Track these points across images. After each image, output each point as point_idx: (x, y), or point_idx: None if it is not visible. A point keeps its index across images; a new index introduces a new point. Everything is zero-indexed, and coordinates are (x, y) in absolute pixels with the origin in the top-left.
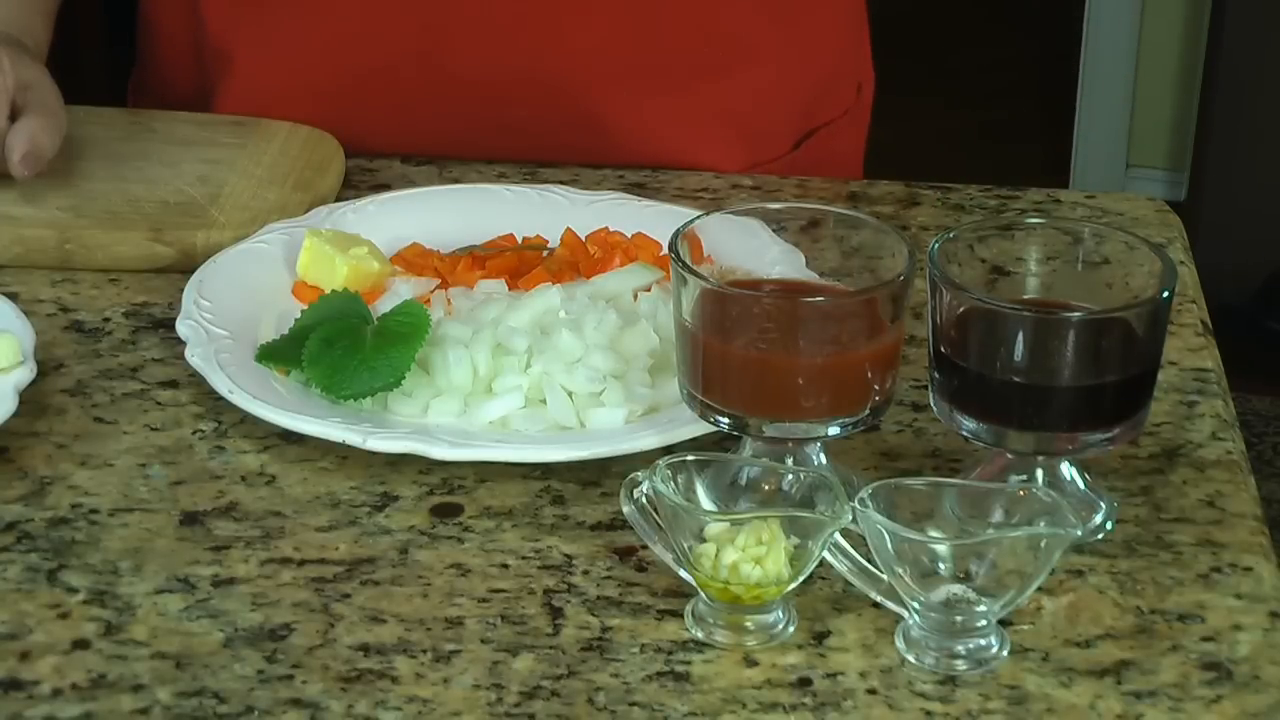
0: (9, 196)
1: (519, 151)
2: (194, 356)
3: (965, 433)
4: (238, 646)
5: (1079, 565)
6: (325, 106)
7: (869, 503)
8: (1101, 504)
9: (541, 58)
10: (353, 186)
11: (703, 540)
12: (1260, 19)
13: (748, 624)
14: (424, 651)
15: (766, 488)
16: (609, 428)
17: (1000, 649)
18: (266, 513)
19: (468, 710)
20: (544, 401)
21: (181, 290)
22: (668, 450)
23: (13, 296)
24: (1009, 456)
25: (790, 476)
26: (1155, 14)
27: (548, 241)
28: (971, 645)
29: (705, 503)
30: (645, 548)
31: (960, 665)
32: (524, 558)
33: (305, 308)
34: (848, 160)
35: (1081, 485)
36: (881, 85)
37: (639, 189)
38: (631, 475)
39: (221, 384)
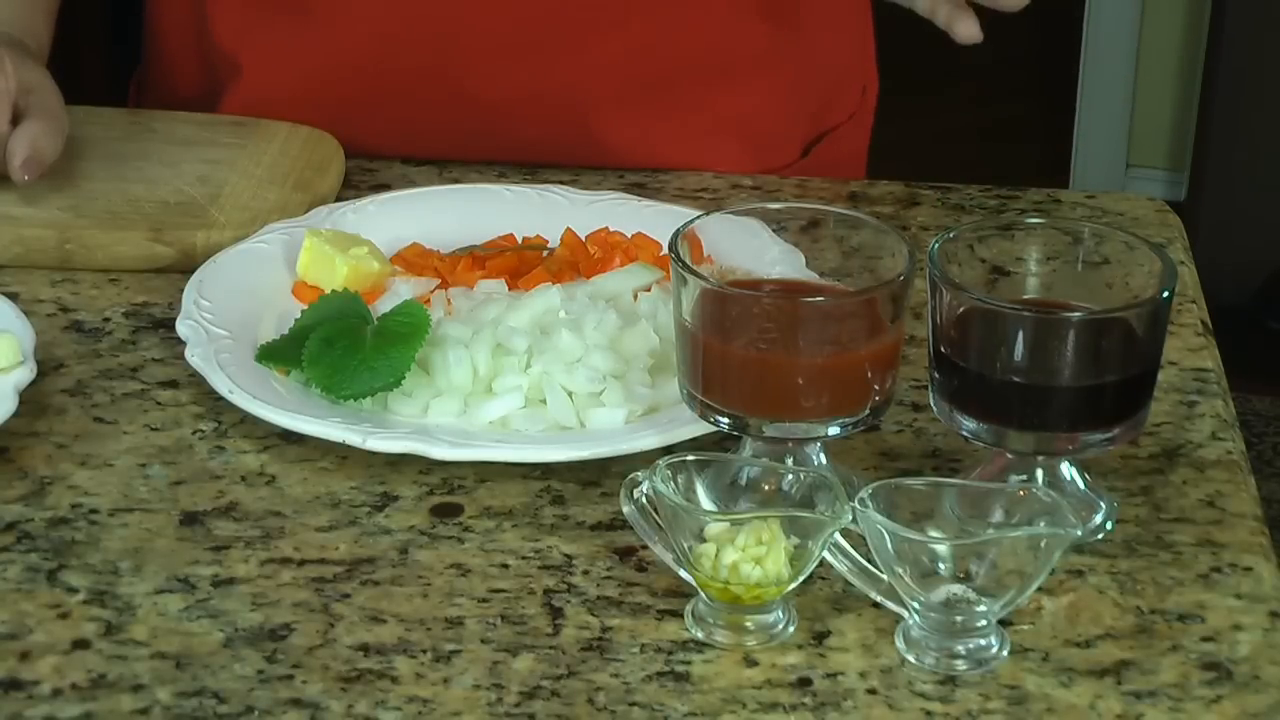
0: (9, 197)
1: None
2: (194, 356)
3: (965, 433)
4: (238, 646)
5: (1079, 565)
6: (333, 118)
7: (869, 503)
8: (1101, 504)
9: (553, 75)
10: (353, 186)
11: (703, 540)
12: (1260, 19)
13: (748, 624)
14: (424, 651)
15: (766, 488)
16: (609, 428)
17: (1000, 649)
18: (266, 513)
19: (468, 710)
20: (544, 401)
21: (181, 290)
22: (668, 450)
23: (13, 296)
24: (1009, 456)
25: (790, 476)
26: (1155, 14)
27: (548, 241)
28: (971, 645)
29: (705, 503)
30: (645, 548)
31: (960, 665)
32: (524, 558)
33: (305, 308)
34: (852, 162)
35: (1081, 485)
36: (882, 85)
37: (639, 189)
38: (631, 475)
39: (221, 384)
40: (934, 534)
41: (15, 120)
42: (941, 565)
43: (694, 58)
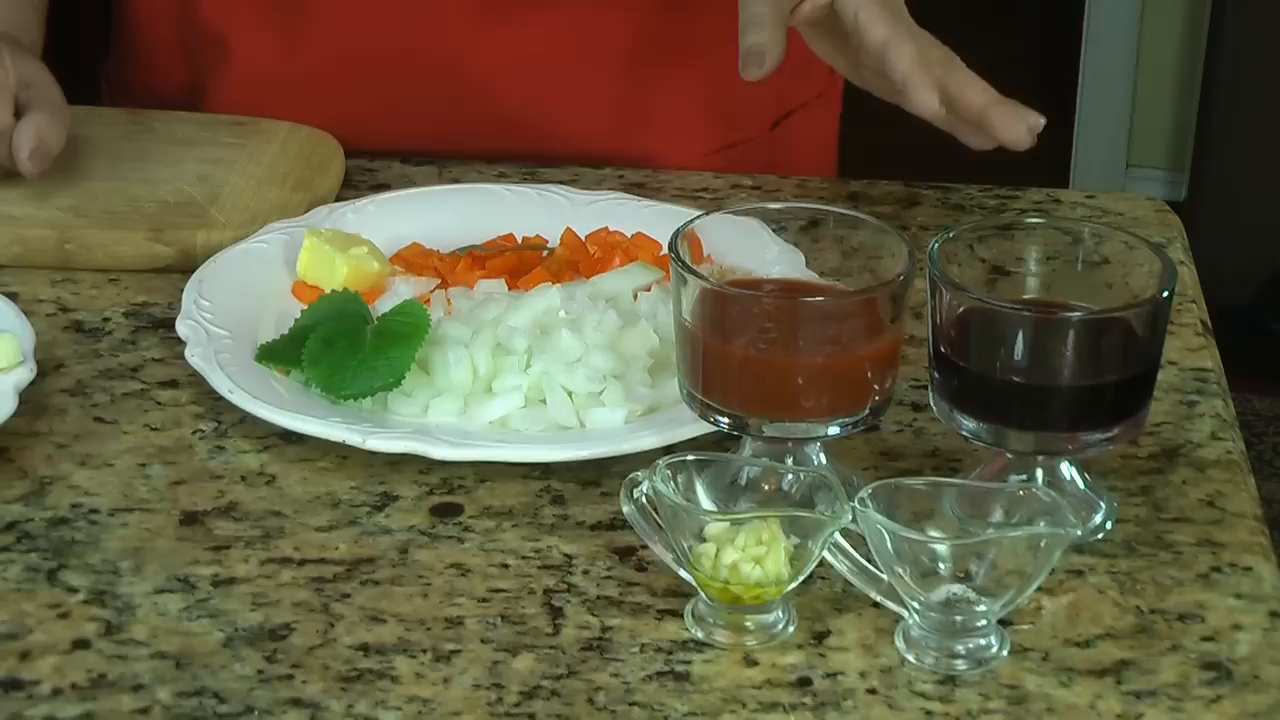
0: (10, 196)
1: (513, 138)
2: (194, 356)
3: (965, 433)
4: (238, 646)
5: (1079, 565)
6: (321, 98)
7: (869, 503)
8: (1101, 504)
9: (527, 42)
10: (353, 186)
11: (703, 540)
12: (1260, 19)
13: (748, 624)
14: (424, 651)
15: (766, 488)
16: (609, 428)
17: (1000, 649)
18: (266, 513)
19: (468, 710)
20: (544, 401)
21: (181, 290)
22: (668, 450)
23: (13, 296)
24: (1009, 456)
25: (790, 476)
26: (1155, 14)
27: (548, 241)
28: (971, 645)
29: (705, 503)
30: (645, 548)
31: (960, 665)
32: (524, 558)
33: (305, 308)
34: (823, 145)
35: (1081, 485)
36: None
37: (639, 189)
38: (631, 475)
39: (221, 384)
40: (934, 534)
41: (18, 114)
42: (941, 565)
43: (659, 27)
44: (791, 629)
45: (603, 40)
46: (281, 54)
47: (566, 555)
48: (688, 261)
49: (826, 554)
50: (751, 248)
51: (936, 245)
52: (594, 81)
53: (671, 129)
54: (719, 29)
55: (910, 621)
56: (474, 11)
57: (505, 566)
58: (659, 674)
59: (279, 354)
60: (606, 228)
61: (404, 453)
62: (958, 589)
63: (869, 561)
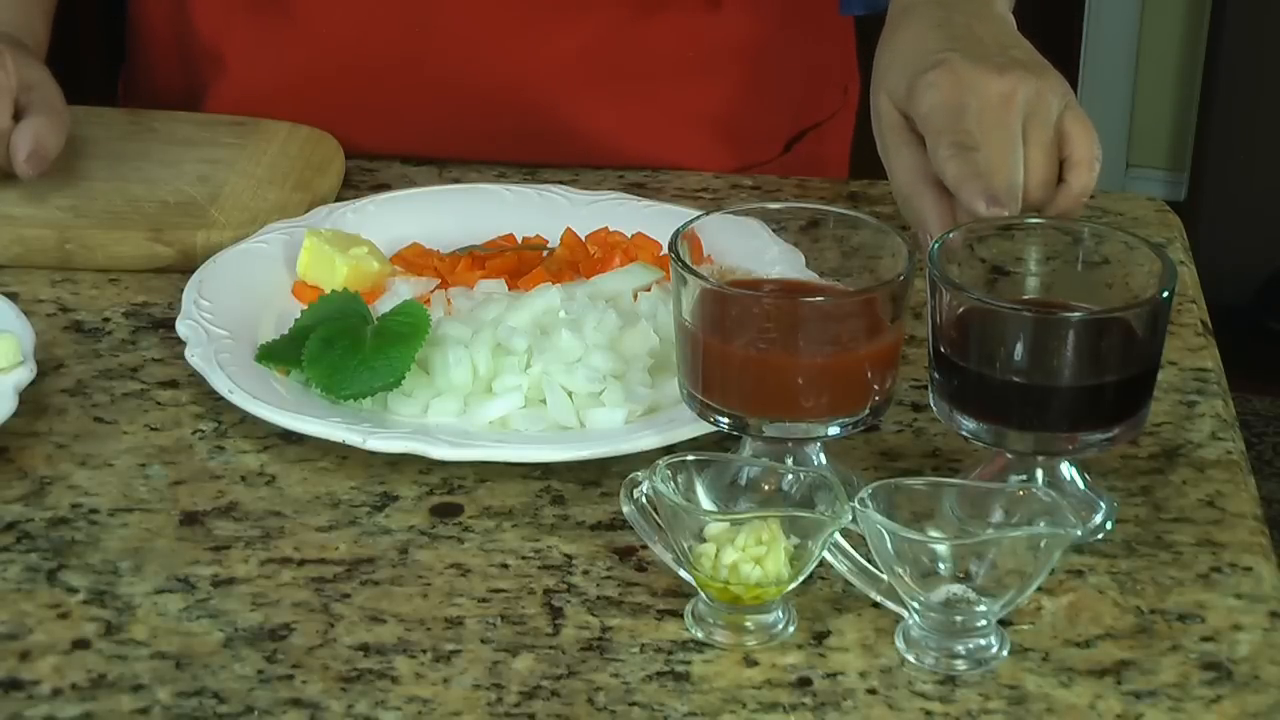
0: (9, 196)
1: (516, 154)
2: (194, 356)
3: (965, 433)
4: (238, 646)
5: (1079, 565)
6: (318, 110)
7: (869, 503)
8: (1101, 504)
9: (525, 64)
10: (353, 186)
11: (703, 540)
12: (1260, 19)
13: (748, 624)
14: (424, 651)
15: (766, 488)
16: (609, 428)
17: (1000, 649)
18: (266, 513)
19: (468, 710)
20: (544, 401)
21: (181, 290)
22: (668, 450)
23: (13, 296)
24: (1009, 456)
25: (790, 476)
26: (1155, 14)
27: (548, 241)
28: (971, 645)
29: (705, 503)
30: (645, 548)
31: (960, 665)
32: (524, 558)
33: (305, 308)
34: (836, 160)
35: (1081, 485)
36: None
37: (639, 189)
38: (631, 475)
39: (221, 384)
40: (934, 534)
41: (17, 116)
42: (941, 565)
43: (668, 48)
44: (791, 629)
45: (612, 60)
46: (277, 68)
47: (566, 555)
48: (688, 261)
49: (826, 554)
50: (751, 248)
51: (936, 245)
52: (603, 102)
53: (684, 152)
54: (732, 52)
55: (910, 621)
56: (478, 26)
57: (505, 566)
58: (659, 674)
59: (279, 354)
60: (606, 228)
61: (404, 453)
62: (958, 589)
63: (869, 561)
